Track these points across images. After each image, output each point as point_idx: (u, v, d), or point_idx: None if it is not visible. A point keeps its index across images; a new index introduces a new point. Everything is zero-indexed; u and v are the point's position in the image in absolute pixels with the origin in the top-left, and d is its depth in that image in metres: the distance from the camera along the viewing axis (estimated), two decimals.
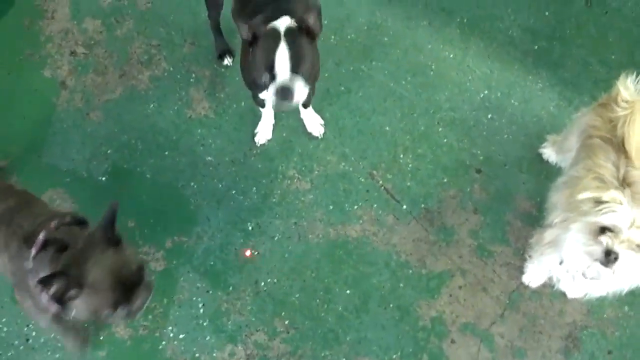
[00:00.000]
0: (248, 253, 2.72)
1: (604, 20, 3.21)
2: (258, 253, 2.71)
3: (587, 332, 2.58)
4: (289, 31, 2.09)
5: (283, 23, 2.12)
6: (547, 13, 3.22)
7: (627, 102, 2.14)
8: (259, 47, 2.14)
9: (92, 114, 3.01)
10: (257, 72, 2.20)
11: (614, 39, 3.17)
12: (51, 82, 3.08)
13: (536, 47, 3.13)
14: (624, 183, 2.03)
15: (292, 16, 2.15)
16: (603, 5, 3.24)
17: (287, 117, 2.97)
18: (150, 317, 2.60)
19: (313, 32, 2.14)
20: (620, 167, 2.07)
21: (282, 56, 2.08)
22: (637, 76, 2.20)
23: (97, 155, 2.92)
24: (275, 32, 2.09)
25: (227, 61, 3.08)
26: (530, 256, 2.50)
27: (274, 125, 2.92)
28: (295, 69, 2.10)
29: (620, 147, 2.11)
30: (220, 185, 2.85)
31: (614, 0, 3.25)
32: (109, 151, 2.93)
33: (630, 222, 1.82)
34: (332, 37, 3.13)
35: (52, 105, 3.02)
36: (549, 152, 2.79)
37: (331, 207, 2.80)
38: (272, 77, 2.12)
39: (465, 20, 3.20)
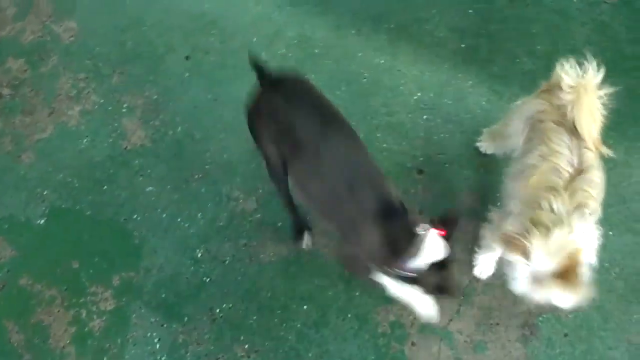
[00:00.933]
0: None
1: (526, 13, 3.30)
2: None
3: (542, 318, 2.62)
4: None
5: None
6: (470, 11, 3.29)
7: (571, 87, 2.20)
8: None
9: (24, 155, 2.92)
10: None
11: (537, 30, 3.25)
12: None
13: (463, 45, 3.19)
14: (579, 170, 2.11)
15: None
16: None
17: (226, 139, 2.94)
18: (105, 359, 2.52)
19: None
20: (574, 150, 2.13)
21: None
22: (570, 61, 2.26)
23: (33, 198, 2.83)
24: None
25: (307, 242, 2.74)
26: (479, 247, 2.53)
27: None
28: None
29: (573, 130, 2.17)
30: (164, 215, 2.79)
31: None
32: (45, 192, 2.84)
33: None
34: (263, 53, 3.12)
35: None
36: (486, 145, 2.84)
37: (279, 224, 2.78)
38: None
39: (392, 25, 3.24)
